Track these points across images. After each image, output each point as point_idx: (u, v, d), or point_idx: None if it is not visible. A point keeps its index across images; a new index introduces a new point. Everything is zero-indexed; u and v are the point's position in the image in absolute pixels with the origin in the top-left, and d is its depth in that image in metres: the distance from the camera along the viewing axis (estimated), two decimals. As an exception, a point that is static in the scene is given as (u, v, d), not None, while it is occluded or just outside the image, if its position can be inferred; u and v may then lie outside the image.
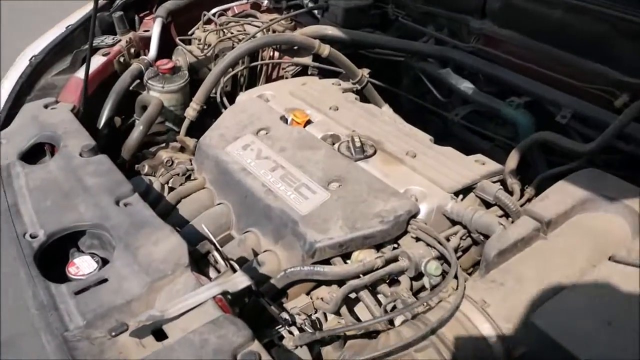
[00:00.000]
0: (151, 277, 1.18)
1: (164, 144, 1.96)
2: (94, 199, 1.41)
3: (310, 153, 1.67)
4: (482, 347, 1.19)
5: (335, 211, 1.47)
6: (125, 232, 1.31)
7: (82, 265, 1.31)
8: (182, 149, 1.91)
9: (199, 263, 1.34)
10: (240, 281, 1.18)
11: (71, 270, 1.30)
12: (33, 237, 1.32)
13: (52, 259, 1.33)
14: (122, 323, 1.06)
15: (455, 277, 1.33)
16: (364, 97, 2.19)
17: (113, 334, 1.04)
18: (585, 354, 1.09)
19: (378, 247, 1.47)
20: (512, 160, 1.75)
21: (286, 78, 2.33)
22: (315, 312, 1.41)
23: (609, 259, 1.29)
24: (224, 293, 1.16)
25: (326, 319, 1.43)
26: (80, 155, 1.59)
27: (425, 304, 1.33)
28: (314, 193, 1.53)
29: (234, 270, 1.23)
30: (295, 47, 2.22)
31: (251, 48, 1.95)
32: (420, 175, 1.59)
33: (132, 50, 2.17)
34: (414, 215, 1.48)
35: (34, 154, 1.73)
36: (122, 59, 2.10)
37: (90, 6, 2.19)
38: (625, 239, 1.34)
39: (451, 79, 2.10)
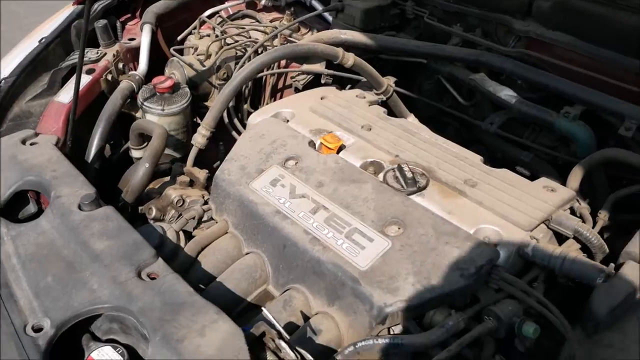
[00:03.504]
0: (207, 385, 0.92)
1: (167, 178, 1.66)
2: (108, 271, 1.13)
3: (354, 188, 1.42)
4: None
5: (403, 264, 1.23)
6: (158, 317, 1.03)
7: (103, 362, 1.03)
8: (191, 183, 1.62)
9: (254, 347, 1.07)
10: (320, 380, 0.93)
11: (91, 370, 1.02)
12: (37, 330, 1.04)
13: (58, 349, 1.04)
14: None
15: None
16: (387, 107, 1.95)
17: None
18: None
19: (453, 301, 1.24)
20: (575, 180, 1.55)
21: (296, 88, 2.05)
22: (391, 391, 1.17)
23: None
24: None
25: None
26: (80, 208, 1.29)
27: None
28: (371, 241, 1.29)
29: (307, 363, 0.98)
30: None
31: (267, 62, 1.66)
32: (489, 210, 1.37)
33: (121, 65, 1.84)
34: (495, 263, 1.25)
35: (12, 204, 1.41)
36: (109, 77, 1.77)
37: (66, 13, 1.85)
38: None
39: (487, 86, 1.87)
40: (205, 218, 1.55)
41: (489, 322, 1.18)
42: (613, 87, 1.65)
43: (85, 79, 1.72)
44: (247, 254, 1.43)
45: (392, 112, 1.97)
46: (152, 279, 1.13)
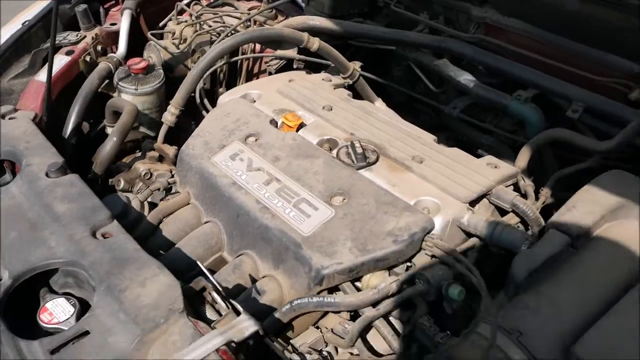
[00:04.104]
0: (141, 328, 1.01)
1: (139, 153, 1.76)
2: (66, 230, 1.23)
3: (307, 162, 1.51)
4: (521, 384, 1.06)
5: (342, 231, 1.32)
6: (106, 271, 1.13)
7: (55, 311, 1.14)
8: (161, 158, 1.72)
9: (193, 300, 1.17)
10: (246, 327, 1.03)
11: (43, 318, 1.12)
12: (-4, 280, 1.14)
13: (18, 301, 1.14)
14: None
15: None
16: (355, 92, 2.03)
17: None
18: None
19: (390, 267, 1.33)
20: (523, 159, 1.63)
21: (269, 73, 2.13)
22: (326, 346, 1.26)
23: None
24: (229, 342, 1.00)
25: (337, 352, 1.28)
26: (47, 175, 1.39)
27: (448, 332, 1.21)
28: (316, 210, 1.37)
29: (237, 312, 1.07)
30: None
31: (234, 44, 1.75)
32: (431, 183, 1.44)
33: (99, 47, 1.95)
34: (429, 231, 1.33)
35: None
36: (88, 58, 1.88)
37: (48, -1, 1.95)
38: (661, 250, 1.23)
39: (449, 71, 1.94)
40: (173, 190, 1.65)
41: (419, 285, 1.27)
42: (563, 71, 1.72)
43: (64, 60, 1.83)
44: (205, 223, 1.53)
45: (360, 96, 2.05)
46: (106, 238, 1.22)
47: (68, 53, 1.86)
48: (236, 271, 1.38)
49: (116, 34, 2.02)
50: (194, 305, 1.16)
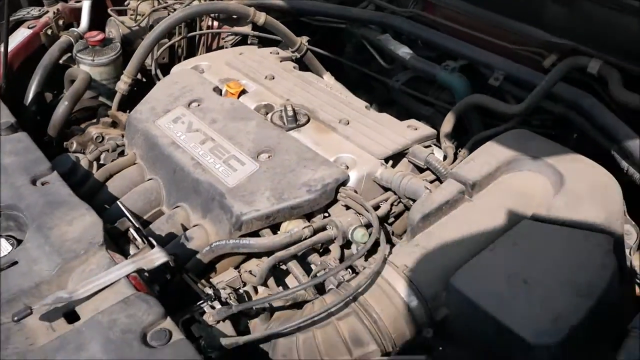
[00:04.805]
0: (62, 258, 1.15)
1: (94, 120, 1.89)
2: (9, 179, 1.36)
3: (241, 124, 1.63)
4: (404, 311, 1.19)
5: (263, 182, 1.45)
6: (39, 212, 1.26)
7: (-6, 248, 1.27)
8: (114, 124, 1.86)
9: (119, 241, 1.30)
10: (156, 258, 1.16)
11: (-17, 254, 1.26)
12: (-59, 221, 1.28)
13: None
14: (26, 307, 1.03)
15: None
16: (304, 66, 2.15)
17: (16, 318, 1.01)
18: (501, 313, 1.10)
19: (309, 216, 1.45)
20: (447, 124, 1.75)
21: (226, 48, 2.26)
22: (244, 286, 1.39)
23: (530, 217, 1.30)
24: (139, 271, 1.14)
25: (256, 292, 1.42)
26: (-2, 133, 1.53)
27: (350, 272, 1.34)
28: (243, 165, 1.50)
29: (152, 247, 1.20)
30: (234, 16, 2.15)
31: (182, 17, 1.88)
32: (352, 142, 1.57)
33: (61, 22, 2.08)
34: (344, 183, 1.46)
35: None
36: (49, 32, 2.02)
37: (12, -24, 2.09)
38: (547, 196, 1.35)
39: (390, 45, 2.07)
40: (125, 153, 1.78)
41: (329, 231, 1.40)
42: (488, 42, 1.84)
43: (26, 33, 1.97)
44: (148, 180, 1.66)
45: (309, 70, 2.17)
46: (44, 185, 1.36)
47: (30, 27, 1.99)
48: (169, 221, 1.51)
49: (79, 10, 2.14)
50: (120, 244, 1.29)
